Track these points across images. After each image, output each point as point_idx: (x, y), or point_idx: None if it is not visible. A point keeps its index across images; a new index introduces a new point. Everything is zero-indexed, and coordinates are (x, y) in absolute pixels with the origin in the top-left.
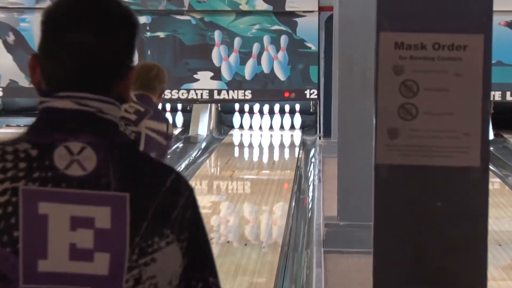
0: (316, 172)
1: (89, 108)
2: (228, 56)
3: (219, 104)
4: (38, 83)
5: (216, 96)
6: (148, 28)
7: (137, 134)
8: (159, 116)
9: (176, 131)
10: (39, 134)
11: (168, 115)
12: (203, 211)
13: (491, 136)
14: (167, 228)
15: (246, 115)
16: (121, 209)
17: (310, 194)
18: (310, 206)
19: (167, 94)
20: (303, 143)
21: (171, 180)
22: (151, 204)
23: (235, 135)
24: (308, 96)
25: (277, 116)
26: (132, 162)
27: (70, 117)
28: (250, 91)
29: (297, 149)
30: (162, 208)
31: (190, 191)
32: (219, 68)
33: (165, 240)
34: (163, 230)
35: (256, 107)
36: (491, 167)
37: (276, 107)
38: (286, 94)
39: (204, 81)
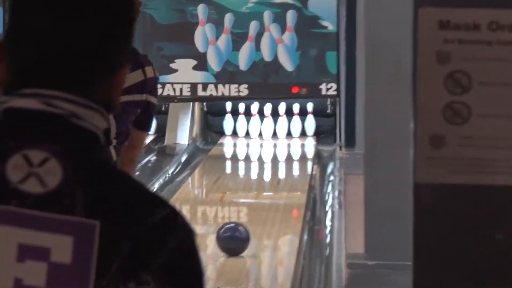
0: (336, 194)
1: (59, 110)
2: (217, 38)
3: (204, 104)
4: (2, 79)
5: (200, 93)
6: None
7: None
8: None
9: (147, 140)
10: None
11: None
12: None
13: None
14: (147, 273)
15: (241, 118)
16: (87, 241)
17: (328, 224)
18: (328, 240)
19: None
20: (317, 156)
21: (162, 215)
22: (128, 238)
23: (227, 145)
24: (324, 92)
25: (282, 119)
26: (110, 185)
27: (34, 120)
28: (246, 86)
29: (309, 164)
30: (144, 247)
31: (187, 234)
32: (204, 54)
33: (143, 287)
34: (141, 274)
35: (255, 107)
36: None
37: (282, 107)
38: (295, 90)
39: (184, 72)
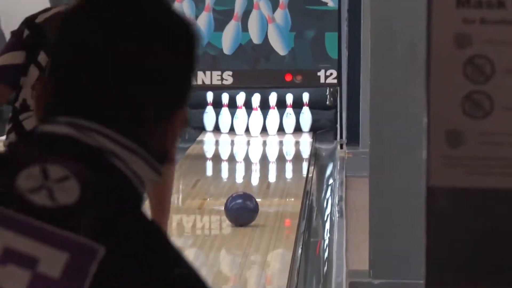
0: (336, 201)
1: (92, 141)
2: (196, 17)
3: None
4: (39, 104)
5: None
6: None
7: None
8: None
9: None
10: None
11: None
12: None
13: None
14: None
15: (225, 111)
16: (85, 262)
17: (327, 237)
18: (326, 255)
19: None
20: (315, 155)
21: (179, 274)
22: (136, 283)
23: (208, 143)
24: (322, 80)
25: (273, 113)
26: (133, 231)
27: (63, 142)
28: (230, 73)
29: (305, 165)
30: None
31: None
32: None
33: None
34: None
35: (241, 98)
36: None
37: (273, 98)
38: (288, 78)
39: None
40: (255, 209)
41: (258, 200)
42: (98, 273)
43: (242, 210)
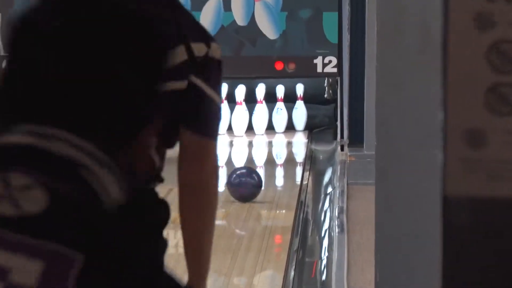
0: (336, 213)
1: (56, 149)
2: None
3: None
4: None
5: None
6: None
7: None
8: None
9: None
10: None
11: None
12: None
13: None
14: None
15: None
16: (63, 270)
17: (324, 256)
18: (324, 277)
19: None
20: (310, 159)
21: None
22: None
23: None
24: (320, 69)
25: (261, 108)
26: (98, 218)
27: (26, 151)
28: None
29: (299, 170)
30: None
31: None
32: None
33: None
34: None
35: (223, 89)
36: None
37: (260, 90)
38: (279, 66)
39: None
40: (259, 184)
41: (242, 212)
42: (80, 280)
43: (244, 185)
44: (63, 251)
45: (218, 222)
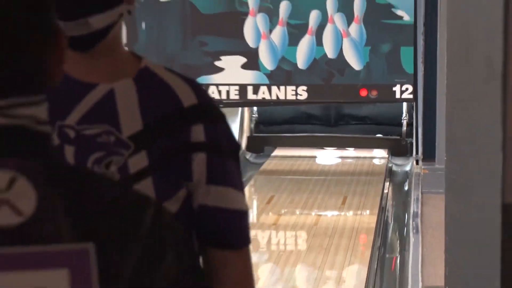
0: (412, 217)
1: (18, 120)
2: (270, 31)
3: (255, 110)
4: None
5: (251, 96)
6: None
7: None
8: None
9: None
10: None
11: None
12: None
13: None
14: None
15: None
16: (84, 270)
17: (402, 253)
18: (402, 270)
19: None
20: (390, 171)
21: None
22: (130, 257)
23: (282, 158)
24: (398, 95)
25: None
26: (90, 195)
27: None
28: (305, 88)
29: (381, 180)
30: (148, 258)
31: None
32: (256, 50)
33: None
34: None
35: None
36: None
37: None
38: (363, 93)
39: (231, 71)
40: None
41: (332, 216)
42: (99, 274)
43: None
44: (76, 248)
45: (311, 223)
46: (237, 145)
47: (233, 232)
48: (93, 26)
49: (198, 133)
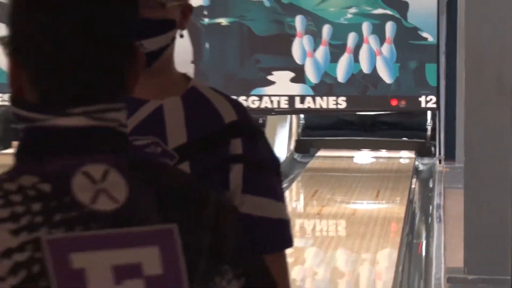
0: (435, 208)
1: (107, 123)
2: (314, 50)
3: (302, 117)
4: (17, 88)
5: (298, 105)
6: (205, 12)
7: None
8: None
9: None
10: (41, 161)
11: None
12: None
13: None
14: (225, 262)
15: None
16: (171, 246)
17: (427, 239)
18: (427, 254)
19: None
20: (417, 169)
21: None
22: (205, 234)
23: (325, 157)
24: (423, 104)
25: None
26: (168, 183)
27: (82, 135)
28: (344, 98)
29: (409, 177)
30: (219, 239)
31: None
32: (302, 66)
33: (226, 278)
34: (222, 266)
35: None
36: None
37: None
38: (394, 103)
39: (282, 84)
40: None
41: (368, 207)
42: (183, 250)
43: None
44: (163, 229)
45: (349, 214)
46: (276, 160)
47: (264, 238)
48: (146, 48)
49: (236, 146)
